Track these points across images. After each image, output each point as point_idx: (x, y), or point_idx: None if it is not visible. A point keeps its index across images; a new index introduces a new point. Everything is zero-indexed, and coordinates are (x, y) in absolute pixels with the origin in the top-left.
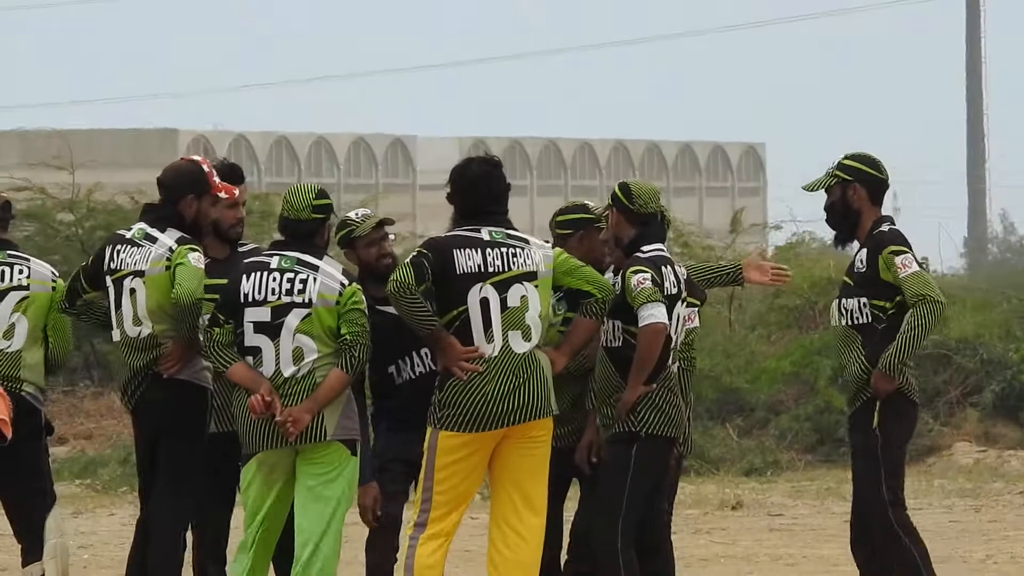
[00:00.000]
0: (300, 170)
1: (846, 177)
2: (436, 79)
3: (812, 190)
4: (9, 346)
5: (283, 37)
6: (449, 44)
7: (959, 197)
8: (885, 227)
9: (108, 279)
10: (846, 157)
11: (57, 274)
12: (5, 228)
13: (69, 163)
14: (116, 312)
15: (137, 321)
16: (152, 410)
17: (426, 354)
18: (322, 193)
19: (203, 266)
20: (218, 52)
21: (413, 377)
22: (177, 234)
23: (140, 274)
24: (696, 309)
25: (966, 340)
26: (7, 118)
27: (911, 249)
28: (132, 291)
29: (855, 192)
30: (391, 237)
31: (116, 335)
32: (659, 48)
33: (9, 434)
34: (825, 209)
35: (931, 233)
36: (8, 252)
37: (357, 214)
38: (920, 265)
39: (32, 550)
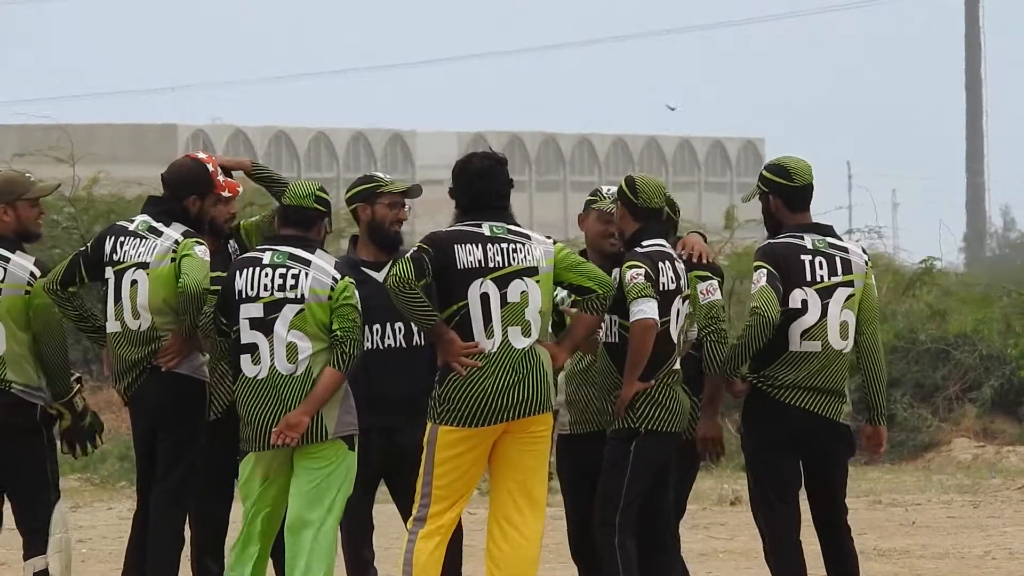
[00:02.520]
0: (299, 165)
1: (764, 188)
2: (435, 74)
3: (745, 201)
4: None
5: (282, 31)
6: (449, 39)
7: (958, 192)
8: (777, 239)
9: (109, 270)
10: (765, 167)
11: (38, 274)
12: None
13: (69, 155)
14: (115, 304)
15: (136, 313)
16: (150, 404)
17: (399, 328)
18: (324, 189)
19: (209, 259)
20: (217, 46)
21: (380, 348)
22: (182, 228)
23: (144, 266)
24: (715, 282)
25: (965, 335)
26: (5, 112)
27: (771, 264)
28: (133, 283)
29: (773, 202)
30: (408, 208)
31: (115, 327)
32: (658, 43)
33: None
34: (763, 216)
35: (930, 228)
36: None
37: (387, 177)
38: (771, 279)
39: (35, 543)
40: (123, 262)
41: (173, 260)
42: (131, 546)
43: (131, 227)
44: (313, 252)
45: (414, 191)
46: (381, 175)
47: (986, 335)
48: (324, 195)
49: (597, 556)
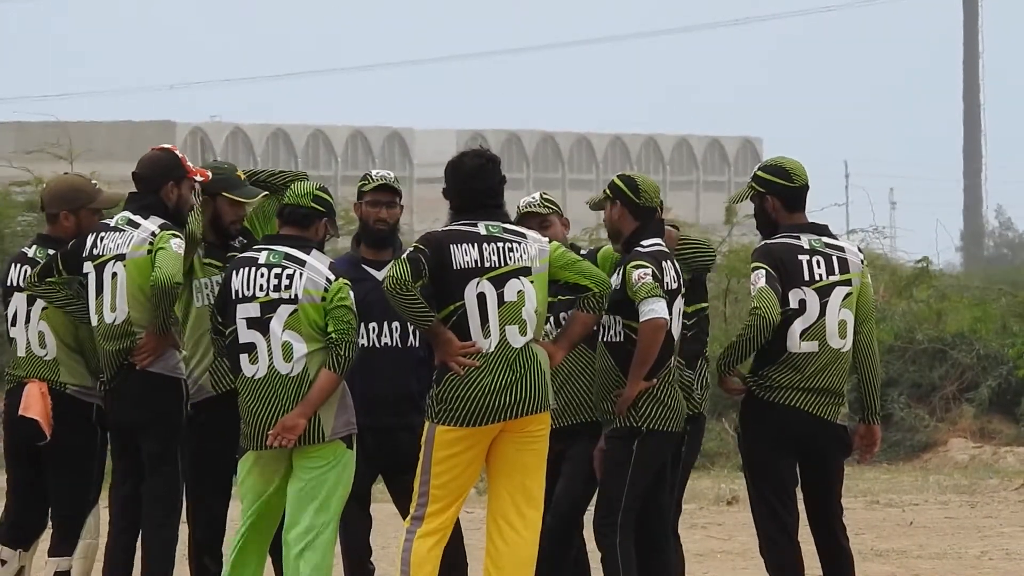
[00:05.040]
0: (297, 162)
1: (760, 189)
2: (434, 72)
3: (734, 202)
4: (46, 354)
5: (281, 29)
6: (447, 37)
7: (955, 192)
8: (774, 239)
9: (89, 265)
10: (761, 168)
11: None
12: (52, 223)
13: (67, 152)
14: (97, 298)
15: (114, 307)
16: (126, 402)
17: (396, 327)
18: (325, 190)
19: (183, 252)
20: (216, 44)
21: (376, 346)
22: (160, 220)
23: (121, 257)
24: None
25: (962, 335)
26: (3, 109)
27: (769, 264)
28: (114, 275)
29: (770, 203)
30: (398, 205)
31: (95, 320)
32: (657, 43)
33: (48, 433)
34: (755, 217)
35: (928, 227)
36: (49, 252)
37: (376, 173)
38: (770, 279)
39: (64, 542)
40: (103, 255)
41: (150, 251)
42: (110, 545)
43: (111, 223)
44: (309, 252)
45: (390, 188)
46: (375, 173)
47: (983, 335)
48: (323, 195)
49: (564, 554)
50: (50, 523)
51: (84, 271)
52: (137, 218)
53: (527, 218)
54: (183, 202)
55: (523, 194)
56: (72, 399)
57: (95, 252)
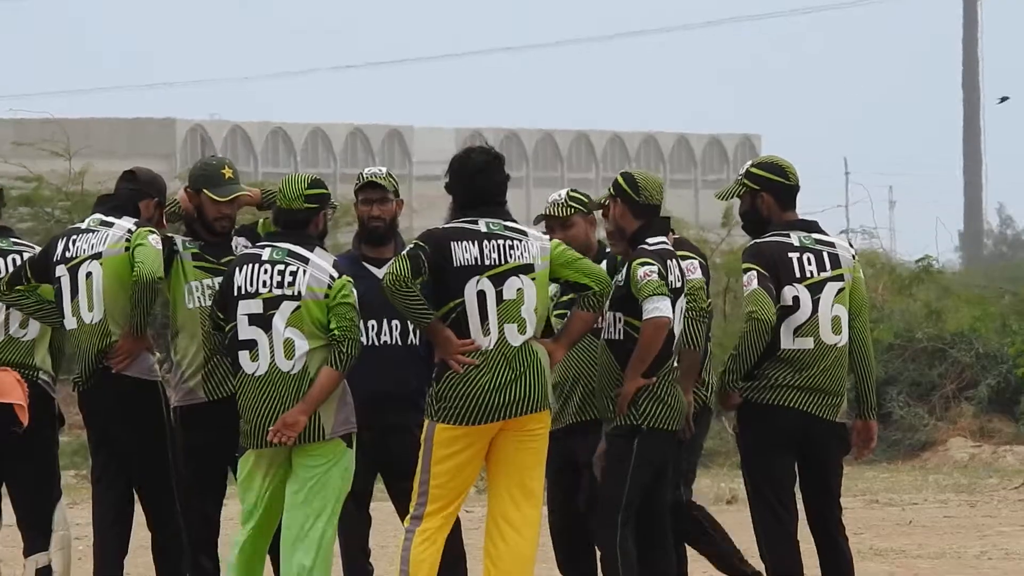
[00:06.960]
0: (296, 160)
1: (754, 186)
2: (433, 70)
3: (720, 198)
4: (25, 335)
5: (281, 27)
6: (446, 35)
7: (955, 191)
8: (764, 238)
9: (62, 268)
10: (756, 166)
11: None
12: None
13: (66, 149)
14: (72, 300)
15: (91, 306)
16: (102, 407)
17: (396, 325)
18: (316, 183)
19: (161, 247)
20: (215, 42)
21: (376, 344)
22: (133, 219)
23: (98, 256)
24: (695, 262)
25: (962, 334)
26: (2, 105)
27: (761, 264)
28: (89, 275)
29: (765, 201)
30: (392, 201)
31: (72, 323)
32: (656, 40)
33: (26, 420)
34: (740, 216)
35: (927, 226)
36: (12, 240)
37: (367, 171)
38: (763, 280)
39: (37, 540)
40: (76, 257)
41: (127, 249)
42: (98, 547)
43: (83, 226)
44: (312, 250)
45: (378, 185)
46: (365, 171)
47: (983, 333)
48: (314, 191)
49: (578, 549)
50: (16, 525)
51: (57, 275)
52: (110, 218)
53: (549, 220)
54: (153, 222)
55: (522, 193)
56: (42, 390)
57: (67, 255)
